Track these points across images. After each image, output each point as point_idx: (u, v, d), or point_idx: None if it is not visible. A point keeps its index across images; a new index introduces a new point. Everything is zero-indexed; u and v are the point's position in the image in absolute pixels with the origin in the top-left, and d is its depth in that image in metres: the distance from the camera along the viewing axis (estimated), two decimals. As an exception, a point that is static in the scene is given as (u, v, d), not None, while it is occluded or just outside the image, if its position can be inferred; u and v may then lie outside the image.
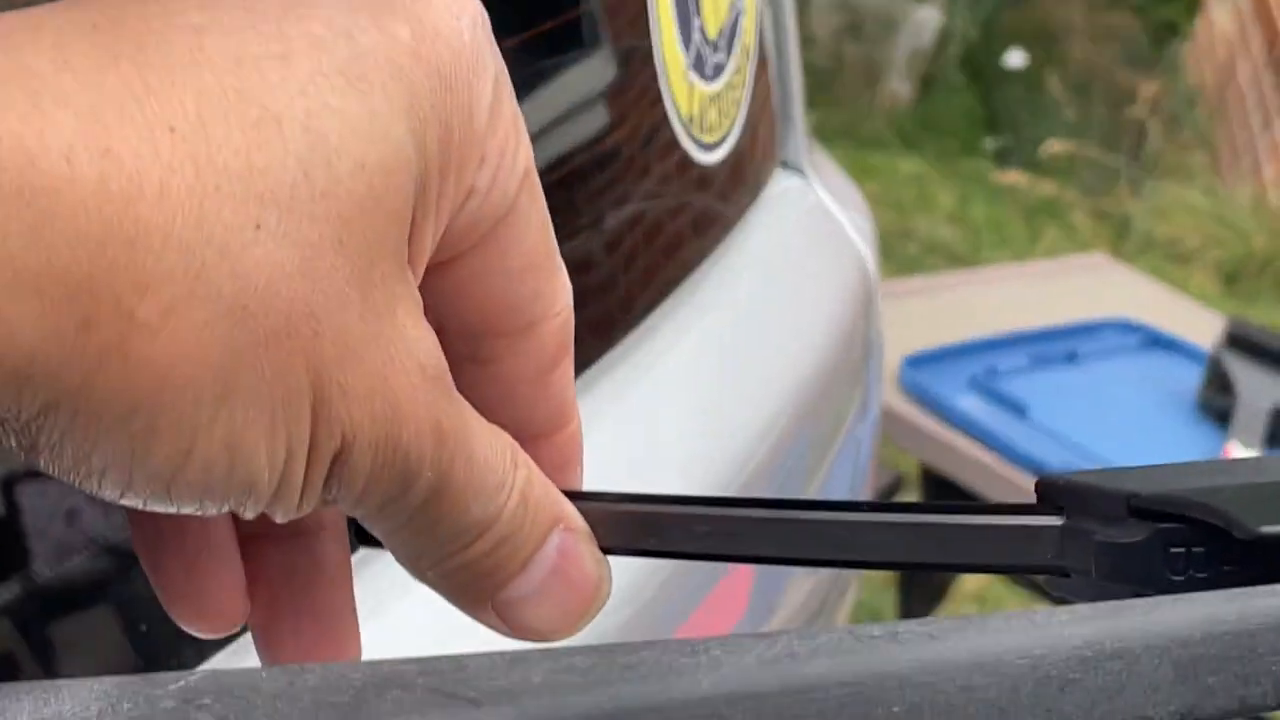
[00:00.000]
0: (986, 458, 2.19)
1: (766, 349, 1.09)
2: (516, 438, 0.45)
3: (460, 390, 0.44)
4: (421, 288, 0.41)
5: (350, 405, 0.37)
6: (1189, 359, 2.40)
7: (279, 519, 0.39)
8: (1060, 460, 2.15)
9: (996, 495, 2.20)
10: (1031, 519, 0.45)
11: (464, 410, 0.41)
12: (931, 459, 2.27)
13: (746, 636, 0.36)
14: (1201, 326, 2.52)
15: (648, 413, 0.94)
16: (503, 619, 0.44)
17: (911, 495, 2.46)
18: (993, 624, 0.37)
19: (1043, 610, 0.38)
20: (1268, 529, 0.41)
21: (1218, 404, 2.27)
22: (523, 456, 0.44)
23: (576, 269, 1.00)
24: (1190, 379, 2.33)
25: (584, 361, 0.92)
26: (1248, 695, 0.37)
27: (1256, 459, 0.46)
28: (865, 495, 1.40)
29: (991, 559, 0.45)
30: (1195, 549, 0.43)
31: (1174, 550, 0.43)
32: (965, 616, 0.37)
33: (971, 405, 2.26)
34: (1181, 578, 0.43)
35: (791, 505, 0.46)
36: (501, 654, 0.34)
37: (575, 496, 0.46)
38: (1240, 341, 2.31)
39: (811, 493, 1.18)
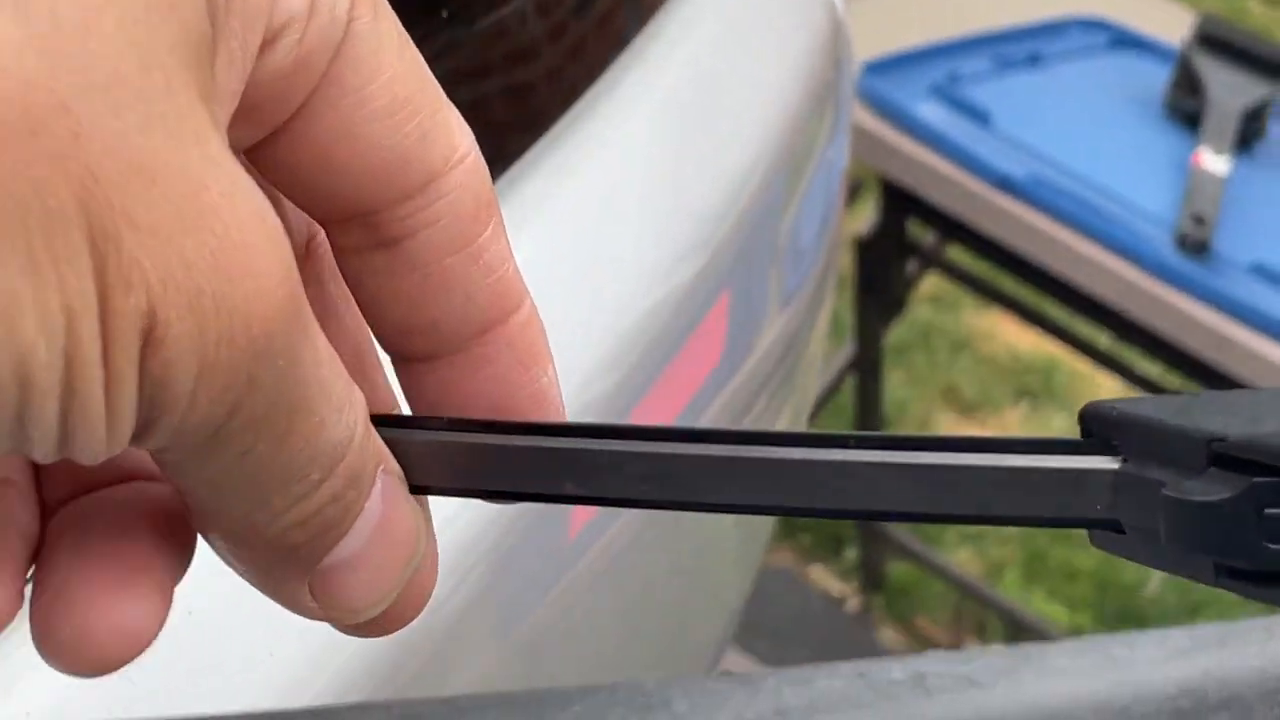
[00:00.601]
0: (948, 169, 2.10)
1: (733, 98, 1.00)
2: (459, 336, 0.37)
3: (379, 292, 0.37)
4: (285, 168, 0.33)
5: (148, 245, 0.28)
6: (1157, 59, 2.30)
7: (84, 455, 0.30)
8: (1025, 171, 2.06)
9: (956, 206, 2.12)
10: (1077, 460, 0.36)
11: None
12: (891, 171, 2.18)
13: (724, 680, 0.28)
14: (1170, 22, 2.41)
15: (613, 180, 0.86)
16: (319, 595, 0.36)
17: (870, 202, 2.37)
18: (1055, 660, 0.29)
19: (1120, 637, 0.29)
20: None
21: (1187, 106, 2.18)
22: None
23: (526, 35, 0.93)
24: (1159, 80, 2.23)
25: (544, 131, 0.85)
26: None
27: None
28: (836, 215, 1.31)
29: (1023, 510, 0.37)
30: (1301, 509, 0.34)
31: (1272, 512, 0.34)
32: (1017, 648, 0.29)
33: (932, 113, 2.16)
34: (1280, 546, 0.34)
35: (766, 440, 0.37)
36: None
37: (393, 423, 0.38)
38: (1210, 39, 2.20)
39: (787, 223, 1.10)
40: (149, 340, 0.29)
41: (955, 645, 2.54)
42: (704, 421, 0.98)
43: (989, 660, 0.27)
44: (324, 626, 0.38)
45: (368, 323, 0.38)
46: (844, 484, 0.37)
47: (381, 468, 0.36)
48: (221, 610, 0.55)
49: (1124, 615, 2.56)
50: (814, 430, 0.38)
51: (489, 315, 0.38)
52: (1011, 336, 2.94)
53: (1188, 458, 0.35)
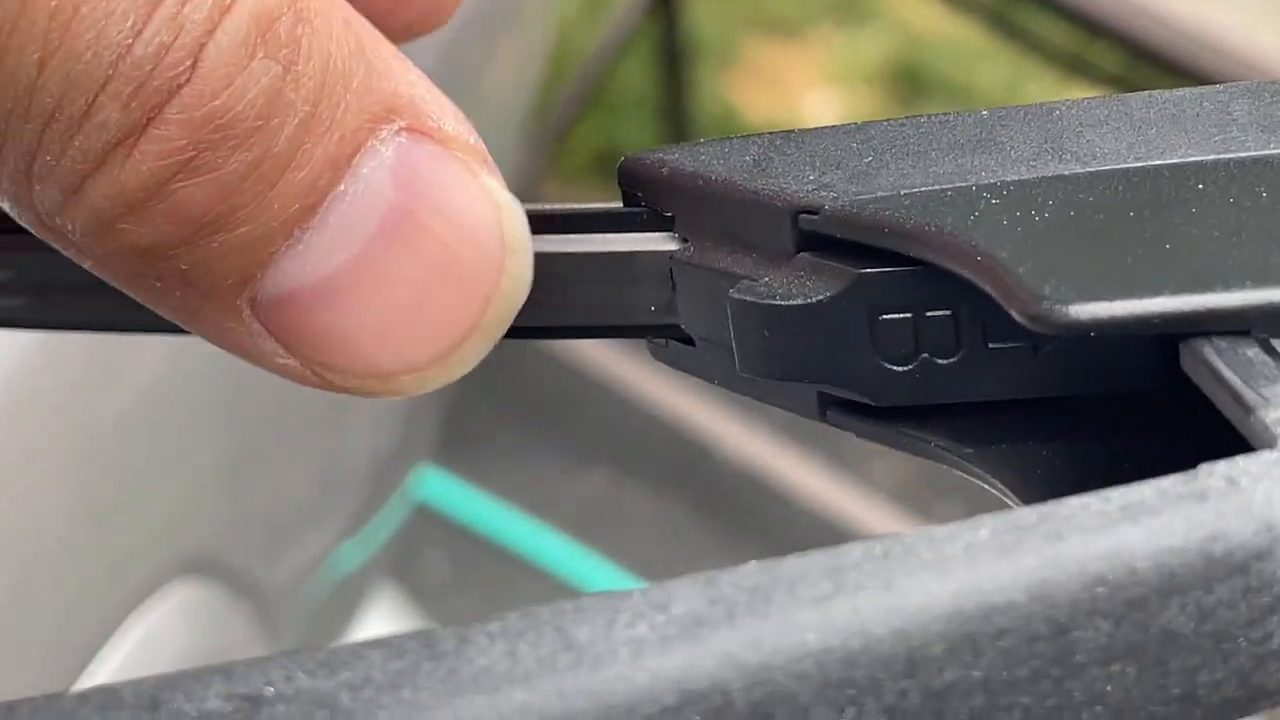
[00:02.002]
0: None
1: None
2: None
3: None
4: None
5: None
6: None
7: None
8: None
9: None
10: (615, 241, 0.24)
11: None
12: None
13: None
14: None
15: None
16: (292, 346, 0.23)
17: None
18: (470, 661, 0.17)
19: (576, 607, 0.17)
20: (1084, 310, 0.20)
21: None
22: None
23: None
24: None
25: None
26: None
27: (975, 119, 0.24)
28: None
29: (548, 316, 0.24)
30: (933, 313, 0.22)
31: (889, 318, 0.22)
32: (410, 642, 0.17)
33: None
34: (905, 368, 0.23)
35: None
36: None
37: None
38: None
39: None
40: None
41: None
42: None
43: (351, 666, 0.15)
44: None
45: None
46: None
47: (403, 124, 0.23)
48: None
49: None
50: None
51: None
52: (821, -45, 2.80)
53: (769, 237, 0.23)
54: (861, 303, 0.22)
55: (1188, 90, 0.23)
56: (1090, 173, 0.22)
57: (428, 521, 1.59)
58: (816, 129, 0.23)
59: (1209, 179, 0.21)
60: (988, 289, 0.21)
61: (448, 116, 0.23)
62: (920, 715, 0.17)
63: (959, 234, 0.21)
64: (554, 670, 0.17)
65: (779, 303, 0.22)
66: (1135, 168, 0.22)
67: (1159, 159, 0.22)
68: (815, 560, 0.17)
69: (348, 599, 1.05)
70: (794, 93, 2.54)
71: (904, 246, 0.22)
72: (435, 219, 0.23)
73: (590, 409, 1.89)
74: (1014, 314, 0.20)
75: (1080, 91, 1.86)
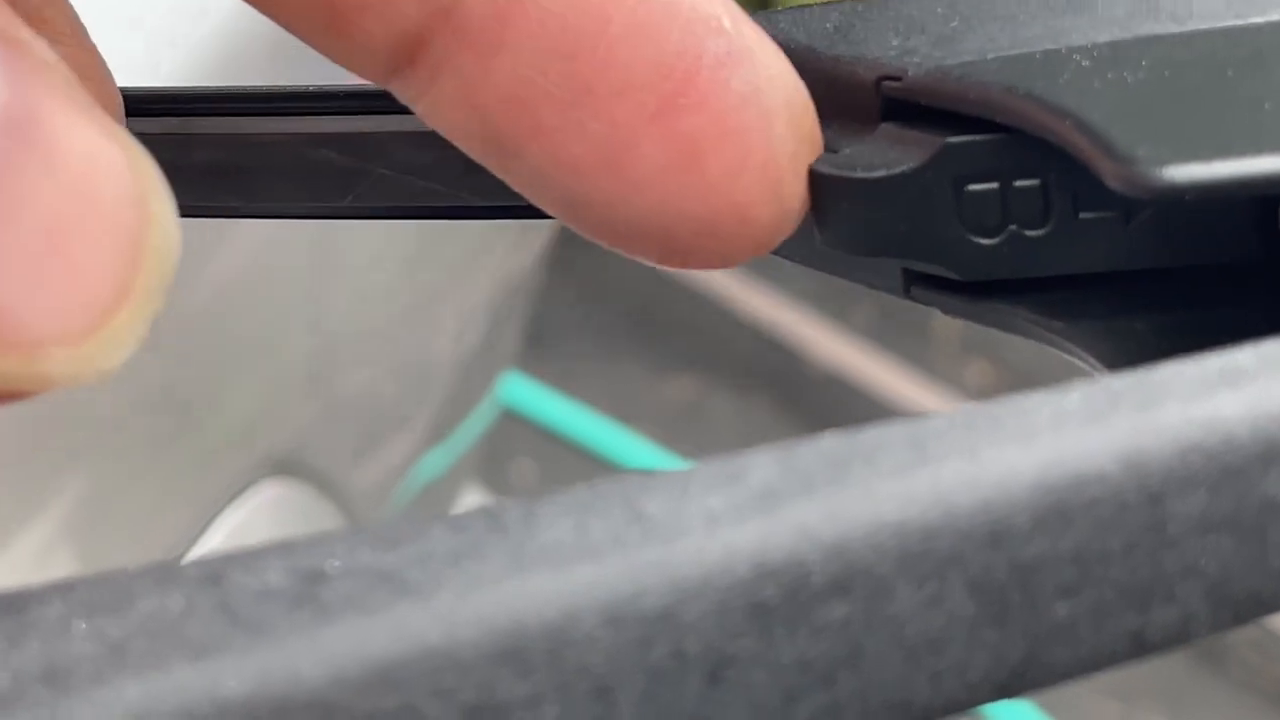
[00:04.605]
0: None
1: None
2: None
3: None
4: None
5: None
6: None
7: None
8: None
9: None
10: None
11: None
12: None
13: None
14: None
15: None
16: None
17: None
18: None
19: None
20: (1179, 172, 0.19)
21: None
22: None
23: None
24: None
25: None
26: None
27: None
28: None
29: None
30: (1022, 182, 0.22)
31: (976, 188, 0.22)
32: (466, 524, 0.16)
33: None
34: (993, 240, 0.22)
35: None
36: None
37: None
38: None
39: None
40: None
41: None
42: None
43: (409, 544, 0.15)
44: None
45: None
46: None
47: None
48: None
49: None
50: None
51: None
52: None
53: (851, 106, 0.22)
54: (947, 173, 0.21)
55: (1290, -58, 0.22)
56: (1186, 32, 0.21)
57: (515, 427, 1.60)
58: (875, 6, 0.22)
59: (1312, 34, 0.20)
60: (1078, 154, 0.20)
61: (15, 26, 0.18)
62: (1006, 589, 0.16)
63: (1048, 97, 0.20)
64: (623, 544, 0.16)
65: (861, 175, 0.21)
66: (1234, 26, 0.21)
67: (1259, 16, 0.21)
68: (896, 431, 0.17)
69: (435, 504, 1.05)
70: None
71: (991, 112, 0.21)
72: (67, 139, 0.18)
73: (676, 313, 1.89)
74: (1106, 179, 0.19)
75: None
